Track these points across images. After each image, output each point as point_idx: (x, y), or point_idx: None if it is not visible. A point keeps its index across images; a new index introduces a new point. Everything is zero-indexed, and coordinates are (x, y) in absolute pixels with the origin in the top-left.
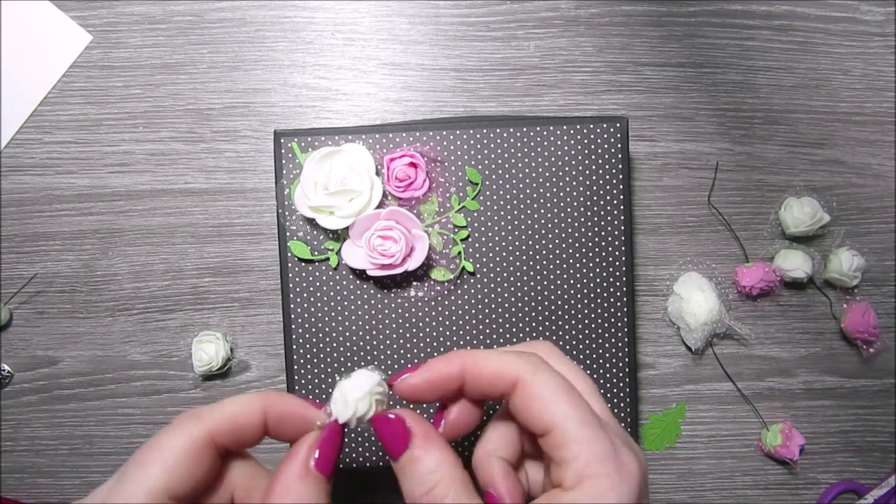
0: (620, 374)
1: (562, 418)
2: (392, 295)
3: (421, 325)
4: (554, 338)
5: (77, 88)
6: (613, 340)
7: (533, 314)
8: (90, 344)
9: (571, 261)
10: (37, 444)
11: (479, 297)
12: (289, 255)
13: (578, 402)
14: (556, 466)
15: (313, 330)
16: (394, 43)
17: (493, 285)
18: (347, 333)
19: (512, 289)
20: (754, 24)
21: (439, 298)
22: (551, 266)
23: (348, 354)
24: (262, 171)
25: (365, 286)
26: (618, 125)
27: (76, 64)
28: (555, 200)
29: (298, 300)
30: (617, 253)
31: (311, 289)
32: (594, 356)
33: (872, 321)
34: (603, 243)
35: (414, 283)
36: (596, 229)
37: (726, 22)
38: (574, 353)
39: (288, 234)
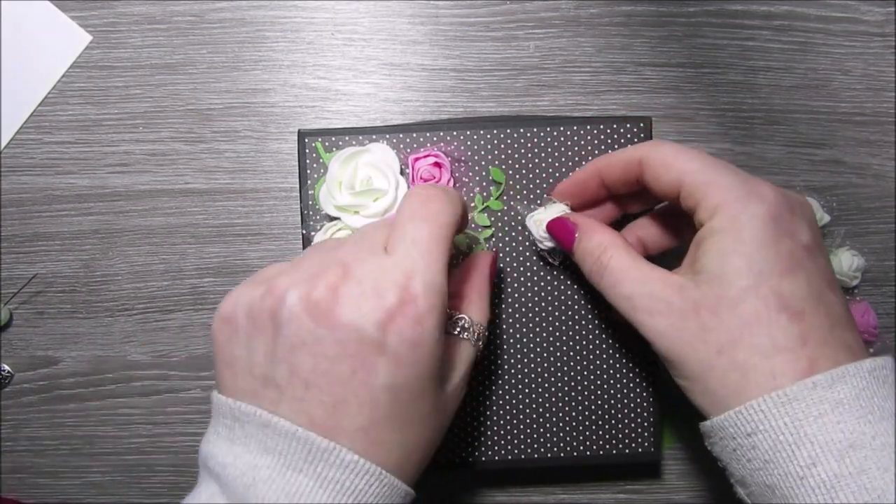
0: (640, 369)
1: (685, 168)
2: None
3: None
4: (577, 336)
5: (77, 88)
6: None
7: (556, 313)
8: (90, 344)
9: None
10: (37, 444)
11: (502, 295)
12: None
13: (700, 154)
14: (696, 215)
15: None
16: (394, 43)
17: (515, 284)
18: None
19: (535, 287)
20: (754, 25)
21: None
22: (573, 264)
23: None
24: (262, 171)
25: None
26: (641, 125)
27: (76, 64)
28: None
29: None
30: None
31: None
32: (616, 354)
33: (872, 321)
34: None
35: None
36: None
37: (726, 22)
38: (595, 350)
39: (313, 233)
